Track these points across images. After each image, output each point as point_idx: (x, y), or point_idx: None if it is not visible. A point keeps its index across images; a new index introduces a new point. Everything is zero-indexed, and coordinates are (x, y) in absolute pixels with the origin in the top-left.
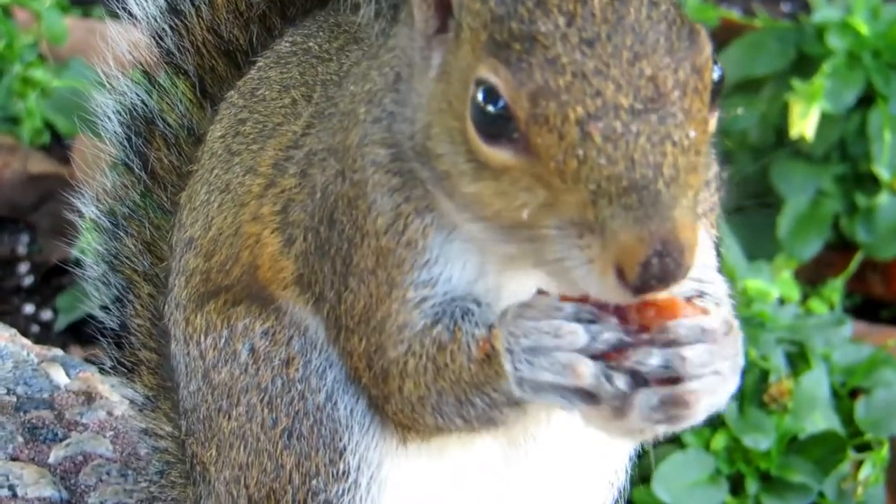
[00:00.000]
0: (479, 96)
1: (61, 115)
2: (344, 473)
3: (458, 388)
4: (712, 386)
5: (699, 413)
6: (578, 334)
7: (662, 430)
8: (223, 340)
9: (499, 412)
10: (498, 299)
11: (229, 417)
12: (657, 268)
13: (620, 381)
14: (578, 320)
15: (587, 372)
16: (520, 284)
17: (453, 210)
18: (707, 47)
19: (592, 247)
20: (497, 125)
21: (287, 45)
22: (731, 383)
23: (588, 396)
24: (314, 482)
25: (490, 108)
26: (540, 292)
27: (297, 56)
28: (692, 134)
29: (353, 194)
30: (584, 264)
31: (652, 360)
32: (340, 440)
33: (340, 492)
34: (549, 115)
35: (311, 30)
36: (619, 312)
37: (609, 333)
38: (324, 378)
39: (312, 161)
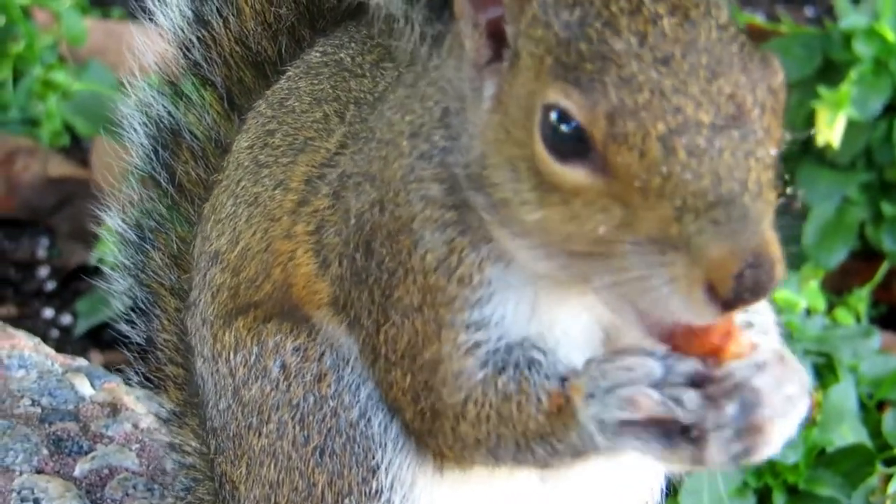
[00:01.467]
0: (552, 118)
1: (81, 117)
2: (377, 493)
3: (521, 436)
4: (784, 410)
5: (776, 440)
6: (651, 367)
7: (741, 462)
8: (253, 357)
9: (558, 460)
10: (551, 336)
11: (260, 435)
12: (750, 280)
13: (692, 402)
14: (651, 356)
15: (654, 398)
16: (572, 319)
17: (509, 237)
18: (780, 72)
19: (676, 264)
20: (571, 146)
21: (318, 55)
22: (802, 406)
23: (664, 438)
24: (346, 501)
25: (563, 128)
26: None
27: (329, 67)
28: (772, 152)
29: (395, 227)
30: (668, 282)
31: (728, 409)
32: (373, 458)
33: None
34: (628, 133)
35: (342, 40)
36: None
37: (684, 365)
38: (357, 395)
39: (346, 184)
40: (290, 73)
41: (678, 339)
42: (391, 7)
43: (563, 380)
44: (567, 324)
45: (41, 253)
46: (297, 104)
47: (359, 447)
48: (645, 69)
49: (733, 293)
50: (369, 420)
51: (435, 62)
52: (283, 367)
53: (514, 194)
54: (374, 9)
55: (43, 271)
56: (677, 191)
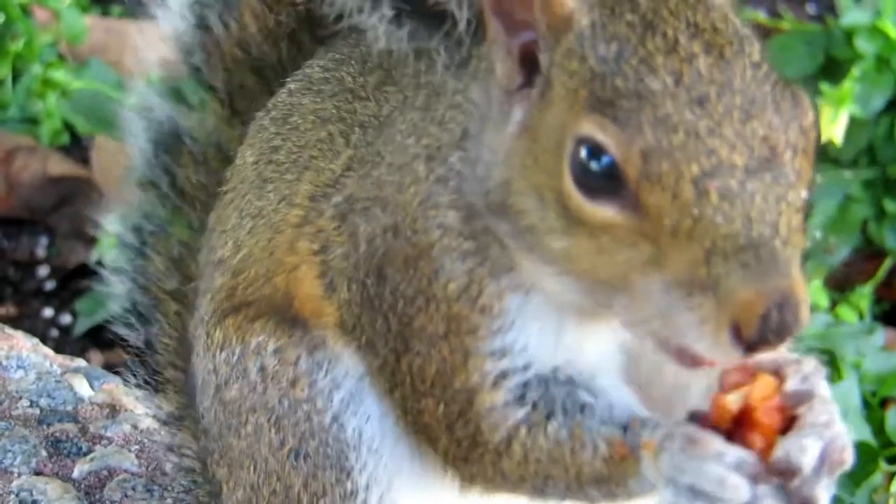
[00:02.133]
0: (583, 153)
1: (81, 115)
2: (352, 493)
3: (574, 480)
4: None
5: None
6: (741, 491)
7: None
8: (236, 357)
9: (611, 500)
10: (579, 360)
11: (239, 436)
12: (776, 321)
13: None
14: (740, 471)
15: None
16: (600, 344)
17: (536, 263)
18: (811, 110)
19: (704, 306)
20: (602, 182)
21: (319, 70)
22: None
23: None
24: (322, 502)
25: (594, 164)
26: (697, 417)
27: (331, 85)
28: (803, 195)
29: (413, 254)
30: (696, 324)
31: (811, 447)
32: (347, 460)
33: None
34: (662, 173)
35: (342, 54)
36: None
37: (772, 497)
38: (330, 399)
39: (354, 207)
40: (291, 86)
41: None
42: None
43: (625, 427)
44: (594, 349)
45: (40, 252)
46: (300, 122)
47: (331, 450)
48: (680, 109)
49: (758, 334)
50: (342, 424)
51: (456, 86)
52: (262, 368)
53: (541, 221)
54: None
55: (42, 270)
56: (708, 233)
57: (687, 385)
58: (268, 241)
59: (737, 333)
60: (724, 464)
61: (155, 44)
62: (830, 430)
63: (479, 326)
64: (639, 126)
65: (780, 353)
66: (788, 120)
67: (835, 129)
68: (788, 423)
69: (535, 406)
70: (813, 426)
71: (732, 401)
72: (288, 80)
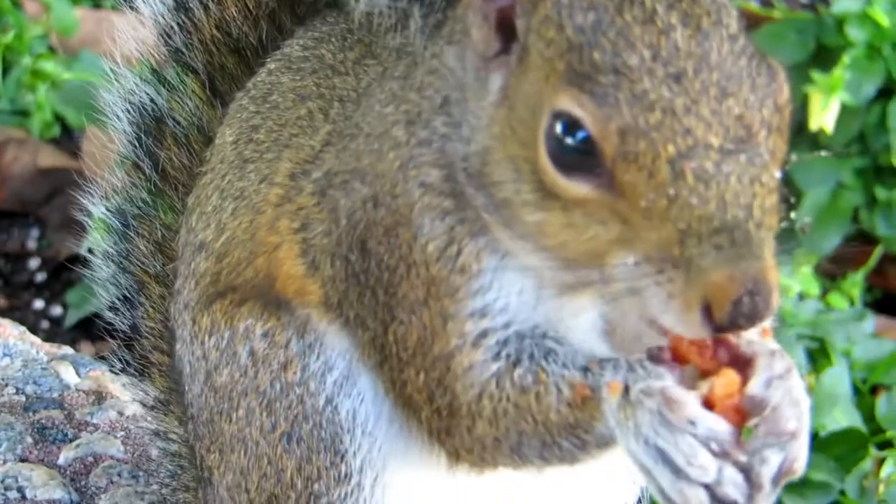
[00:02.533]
0: (558, 128)
1: (71, 107)
2: (346, 476)
3: (544, 430)
4: (804, 424)
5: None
6: (707, 472)
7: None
8: (225, 342)
9: (586, 453)
10: (560, 321)
11: (230, 421)
12: (748, 307)
13: (738, 485)
14: (710, 449)
15: (712, 469)
16: (579, 307)
17: (510, 238)
18: (786, 85)
19: (675, 282)
20: (577, 157)
21: (298, 48)
22: (805, 403)
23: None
24: (316, 486)
25: (569, 140)
26: (657, 355)
27: (310, 63)
28: (776, 174)
29: (392, 221)
30: (664, 299)
31: (772, 458)
32: (341, 443)
33: (344, 495)
34: (639, 153)
35: (322, 32)
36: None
37: (737, 481)
38: (323, 381)
39: (332, 182)
40: (270, 65)
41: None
42: (375, 6)
43: (586, 370)
44: (573, 310)
45: (31, 244)
46: (280, 100)
47: (325, 432)
48: (657, 86)
49: (729, 318)
50: (336, 406)
51: (433, 51)
52: (252, 353)
53: (516, 194)
54: (354, 6)
55: (33, 262)
56: (682, 214)
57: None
58: (249, 222)
59: (707, 314)
60: (697, 435)
61: (137, 32)
62: (794, 443)
63: (459, 288)
64: (616, 103)
65: (758, 341)
66: (763, 97)
67: (826, 116)
68: (744, 420)
69: (507, 357)
70: (778, 434)
71: (698, 391)
72: (268, 59)
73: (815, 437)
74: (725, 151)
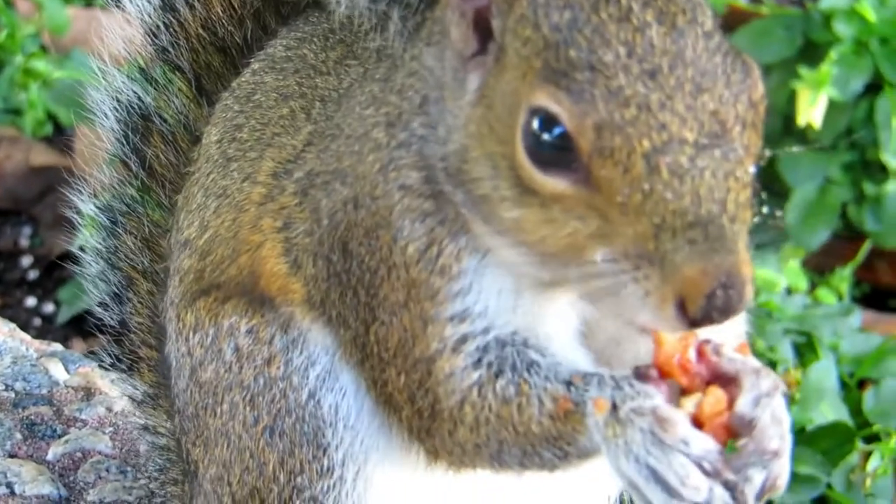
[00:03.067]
0: (535, 124)
1: (63, 106)
2: (329, 469)
3: (525, 440)
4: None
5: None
6: (700, 493)
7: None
8: (210, 338)
9: (567, 463)
10: (540, 325)
11: (215, 415)
12: (721, 300)
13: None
14: (702, 469)
15: (703, 488)
16: (558, 308)
17: (489, 234)
18: (760, 82)
19: (651, 278)
20: (554, 153)
21: (281, 48)
22: (787, 421)
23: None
24: (299, 479)
25: (546, 136)
26: (645, 374)
27: (293, 63)
28: (750, 170)
29: (372, 223)
30: (641, 296)
31: (756, 477)
32: (323, 437)
33: (326, 488)
34: (615, 148)
35: (304, 33)
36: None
37: (723, 502)
38: (306, 376)
39: (314, 182)
40: (254, 66)
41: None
42: (356, 8)
43: (569, 383)
44: (552, 312)
45: (24, 242)
46: (263, 99)
47: (308, 426)
48: (632, 83)
49: (702, 312)
50: (318, 401)
51: (412, 52)
52: (236, 349)
53: (494, 190)
54: (336, 8)
55: (25, 260)
56: (657, 209)
57: (645, 356)
58: (232, 220)
59: (682, 308)
60: (689, 455)
61: (123, 30)
62: (777, 461)
63: (439, 290)
64: (592, 99)
65: (740, 359)
66: (738, 93)
67: (813, 112)
68: (730, 438)
69: (489, 366)
70: (762, 453)
71: (685, 409)
72: (252, 59)
73: (802, 431)
74: (700, 146)
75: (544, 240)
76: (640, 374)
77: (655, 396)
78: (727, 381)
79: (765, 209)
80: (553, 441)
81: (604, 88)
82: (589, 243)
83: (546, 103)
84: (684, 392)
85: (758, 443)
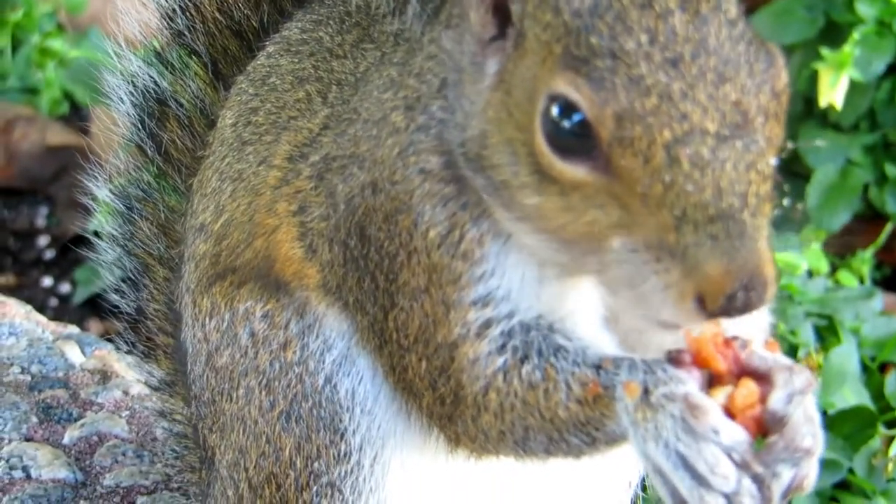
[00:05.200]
0: (555, 111)
1: (80, 85)
2: (346, 455)
3: (552, 426)
4: (818, 442)
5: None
6: (729, 481)
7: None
8: (225, 324)
9: (594, 449)
10: (564, 309)
11: (231, 400)
12: (742, 301)
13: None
14: (731, 459)
15: (732, 479)
16: (582, 293)
17: (510, 220)
18: (784, 72)
19: (671, 272)
20: (573, 140)
21: (297, 31)
22: (818, 419)
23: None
24: (316, 464)
25: (566, 123)
26: (676, 358)
27: (309, 45)
28: (772, 162)
29: (391, 208)
30: (661, 288)
31: (784, 474)
32: (341, 422)
33: (343, 473)
34: (635, 137)
35: (320, 16)
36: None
37: (751, 495)
38: (322, 361)
39: (330, 166)
40: (269, 49)
41: None
42: None
43: (598, 367)
44: (575, 297)
45: (40, 222)
46: (278, 82)
47: (325, 411)
48: (654, 71)
49: (721, 310)
50: (335, 385)
51: (430, 35)
52: (252, 334)
53: (514, 177)
54: None
55: (42, 240)
56: (678, 201)
57: (671, 343)
58: (248, 204)
59: (701, 303)
60: (720, 444)
61: (140, 14)
62: (807, 460)
63: (461, 275)
64: (613, 87)
65: (771, 356)
66: (761, 83)
67: (835, 93)
68: (761, 433)
69: (514, 351)
70: (794, 450)
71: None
72: (267, 42)
73: (823, 415)
74: (721, 137)
75: (564, 227)
76: (673, 359)
77: (688, 382)
78: (758, 377)
79: (786, 201)
80: (581, 426)
81: (625, 77)
82: (609, 232)
83: (566, 90)
84: (714, 383)
85: (789, 440)
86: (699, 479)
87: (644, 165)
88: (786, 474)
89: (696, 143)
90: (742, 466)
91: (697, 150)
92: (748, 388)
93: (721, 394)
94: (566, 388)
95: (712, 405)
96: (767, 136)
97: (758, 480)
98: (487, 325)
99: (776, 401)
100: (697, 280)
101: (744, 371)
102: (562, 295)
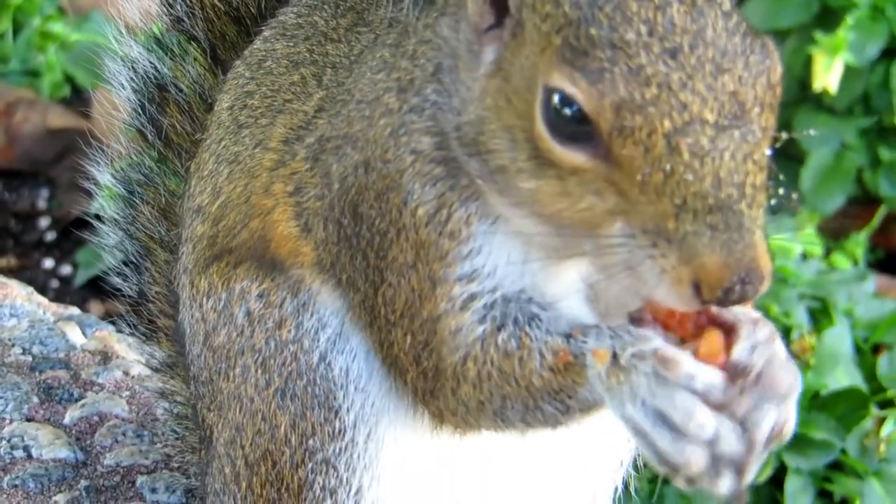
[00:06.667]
0: (555, 100)
1: (81, 68)
2: (340, 432)
3: (527, 394)
4: (795, 386)
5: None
6: (706, 429)
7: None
8: (222, 303)
9: (569, 417)
10: (546, 288)
11: (227, 379)
12: (738, 293)
13: (735, 440)
14: (709, 402)
15: (710, 426)
16: (566, 274)
17: (504, 204)
18: (779, 64)
19: (668, 257)
20: (574, 127)
21: (292, 16)
22: (794, 366)
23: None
24: (311, 441)
25: (566, 111)
26: (640, 318)
27: (304, 30)
28: (767, 152)
29: (383, 186)
30: (657, 273)
31: (768, 416)
32: (335, 399)
33: (338, 450)
34: (635, 127)
35: (315, 1)
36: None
37: (733, 438)
38: (316, 339)
39: (325, 147)
40: (266, 33)
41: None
42: None
43: (569, 336)
44: (561, 278)
45: (41, 204)
46: (274, 66)
47: (319, 389)
48: (653, 62)
49: (718, 300)
50: (329, 363)
51: (426, 20)
52: (248, 313)
53: (511, 162)
54: None
55: (43, 222)
56: (678, 190)
57: None
58: (244, 186)
59: (697, 290)
60: (695, 392)
61: (144, 7)
62: (786, 404)
63: (448, 252)
64: (612, 79)
65: (739, 310)
66: (757, 74)
67: (829, 77)
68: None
69: (493, 321)
70: (772, 394)
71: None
72: (264, 27)
73: (816, 396)
74: (720, 127)
75: (560, 212)
76: (635, 319)
77: (654, 339)
78: (727, 329)
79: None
80: (554, 394)
81: (625, 67)
82: (605, 218)
83: (562, 84)
84: (681, 340)
85: (769, 382)
86: (677, 432)
87: (644, 154)
88: (768, 419)
89: (696, 133)
90: (721, 408)
91: (697, 140)
92: (712, 337)
93: (688, 347)
94: (539, 356)
95: (683, 354)
96: (763, 126)
97: (740, 425)
98: (472, 298)
99: (739, 351)
100: (695, 269)
101: (713, 323)
102: (545, 275)
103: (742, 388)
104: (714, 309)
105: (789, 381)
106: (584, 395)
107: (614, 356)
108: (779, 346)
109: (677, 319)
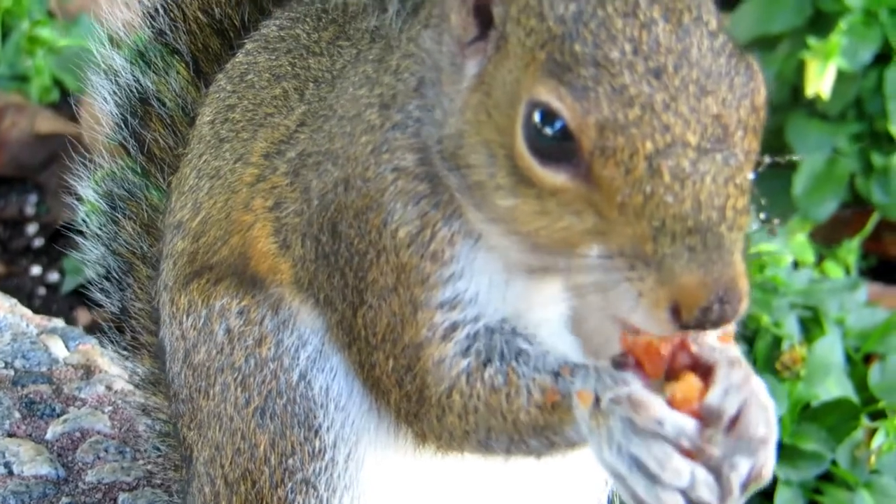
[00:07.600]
0: (536, 117)
1: (70, 73)
2: (320, 451)
3: (513, 428)
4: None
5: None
6: (681, 476)
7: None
8: (202, 320)
9: (554, 451)
10: (529, 319)
11: (207, 397)
12: (716, 314)
13: (709, 489)
14: (681, 447)
15: (684, 470)
16: (546, 298)
17: (481, 220)
18: (763, 86)
19: (645, 280)
20: (554, 146)
21: (275, 28)
22: (772, 408)
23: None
24: (290, 461)
25: (548, 129)
26: (623, 362)
27: (286, 43)
28: (749, 175)
29: (362, 205)
30: (634, 296)
31: (742, 464)
32: (315, 418)
33: (318, 470)
34: (617, 148)
35: (298, 13)
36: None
37: (708, 485)
38: (296, 357)
39: (306, 163)
40: (248, 46)
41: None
42: None
43: (557, 374)
44: (540, 304)
45: (29, 210)
46: (255, 79)
47: (299, 408)
48: (637, 81)
49: (696, 322)
50: (309, 382)
51: (409, 34)
52: (228, 330)
53: (489, 178)
54: None
55: (31, 228)
56: (657, 212)
57: None
58: (225, 201)
59: (675, 314)
60: (666, 435)
61: (122, 13)
62: (763, 449)
63: (430, 275)
64: (596, 98)
65: (719, 348)
66: (741, 97)
67: (822, 82)
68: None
69: (478, 355)
70: (748, 440)
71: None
72: (246, 40)
73: (806, 406)
74: (702, 150)
75: (537, 231)
76: (617, 363)
77: (632, 382)
78: (707, 370)
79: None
80: (540, 430)
81: (608, 86)
82: (583, 239)
83: (548, 98)
84: (662, 377)
85: (743, 429)
86: (652, 478)
87: (625, 176)
88: (744, 464)
89: (678, 156)
90: (696, 454)
91: (679, 163)
92: (688, 382)
93: (667, 390)
94: (527, 393)
95: (653, 398)
96: (746, 150)
97: (714, 471)
98: (454, 328)
99: (713, 396)
100: (672, 289)
101: (693, 364)
102: (528, 297)
103: (713, 434)
104: (693, 347)
105: (766, 426)
106: (570, 433)
107: (597, 399)
108: (756, 385)
109: (656, 361)
